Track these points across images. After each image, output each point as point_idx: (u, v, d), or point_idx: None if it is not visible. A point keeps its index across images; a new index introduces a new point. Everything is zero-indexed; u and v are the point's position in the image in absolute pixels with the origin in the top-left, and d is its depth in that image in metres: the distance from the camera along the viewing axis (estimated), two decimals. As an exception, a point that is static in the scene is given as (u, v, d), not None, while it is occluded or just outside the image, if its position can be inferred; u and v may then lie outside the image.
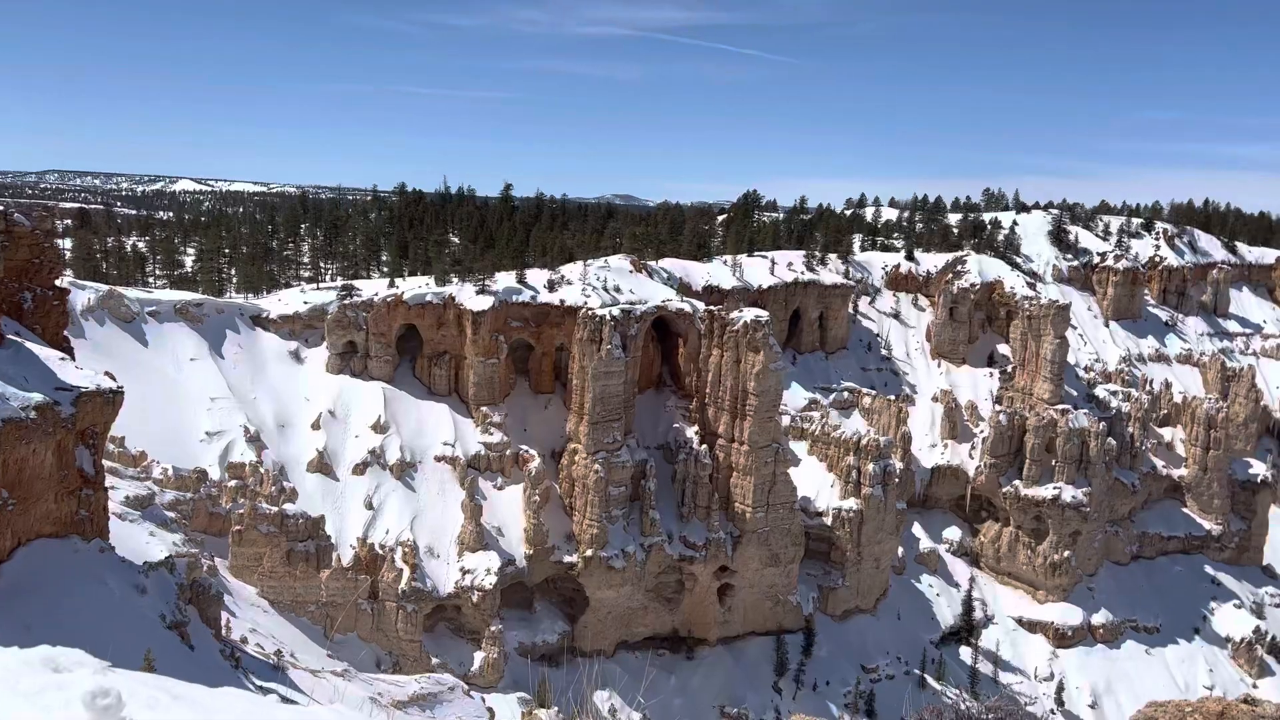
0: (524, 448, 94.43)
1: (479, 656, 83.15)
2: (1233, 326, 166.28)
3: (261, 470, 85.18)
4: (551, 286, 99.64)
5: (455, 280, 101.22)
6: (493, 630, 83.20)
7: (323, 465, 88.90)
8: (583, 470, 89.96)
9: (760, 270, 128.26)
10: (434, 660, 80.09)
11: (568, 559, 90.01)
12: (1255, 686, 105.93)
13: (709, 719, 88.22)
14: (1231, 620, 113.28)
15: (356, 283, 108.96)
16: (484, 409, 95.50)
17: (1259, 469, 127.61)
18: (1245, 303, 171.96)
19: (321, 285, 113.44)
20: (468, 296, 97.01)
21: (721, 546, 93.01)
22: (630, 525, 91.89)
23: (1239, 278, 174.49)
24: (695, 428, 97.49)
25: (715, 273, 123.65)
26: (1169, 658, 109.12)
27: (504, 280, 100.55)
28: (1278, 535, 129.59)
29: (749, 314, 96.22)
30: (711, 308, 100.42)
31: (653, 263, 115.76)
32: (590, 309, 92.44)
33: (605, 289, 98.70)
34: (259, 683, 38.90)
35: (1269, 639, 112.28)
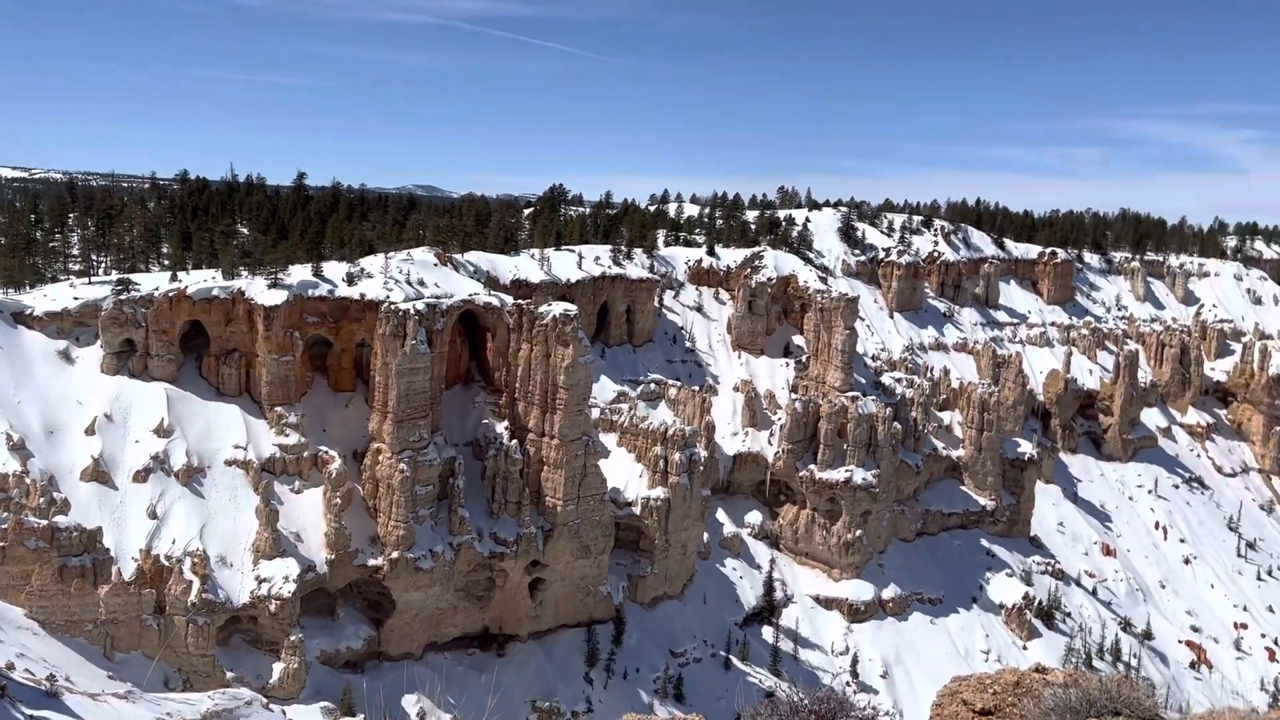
0: (323, 449, 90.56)
1: (278, 668, 79.20)
2: (1002, 317, 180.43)
3: (27, 481, 77.69)
4: (351, 280, 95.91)
5: (245, 274, 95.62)
6: (293, 640, 79.40)
7: (99, 473, 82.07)
8: (387, 470, 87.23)
9: (568, 264, 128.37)
10: (229, 674, 75.70)
11: (373, 562, 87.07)
12: (1026, 648, 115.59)
13: (522, 715, 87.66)
14: (1004, 588, 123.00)
15: (134, 276, 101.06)
16: (279, 409, 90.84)
17: (1026, 448, 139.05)
18: (1013, 295, 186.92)
19: (94, 279, 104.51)
20: (259, 290, 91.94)
21: (533, 541, 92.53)
22: (438, 525, 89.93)
23: (1007, 272, 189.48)
24: (505, 423, 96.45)
25: (523, 266, 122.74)
26: (951, 626, 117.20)
27: (299, 273, 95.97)
28: (1043, 508, 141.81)
29: (558, 308, 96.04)
30: (520, 301, 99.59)
31: (458, 255, 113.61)
32: (393, 303, 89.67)
33: (409, 282, 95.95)
34: (30, 712, 35.36)
35: (1036, 604, 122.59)
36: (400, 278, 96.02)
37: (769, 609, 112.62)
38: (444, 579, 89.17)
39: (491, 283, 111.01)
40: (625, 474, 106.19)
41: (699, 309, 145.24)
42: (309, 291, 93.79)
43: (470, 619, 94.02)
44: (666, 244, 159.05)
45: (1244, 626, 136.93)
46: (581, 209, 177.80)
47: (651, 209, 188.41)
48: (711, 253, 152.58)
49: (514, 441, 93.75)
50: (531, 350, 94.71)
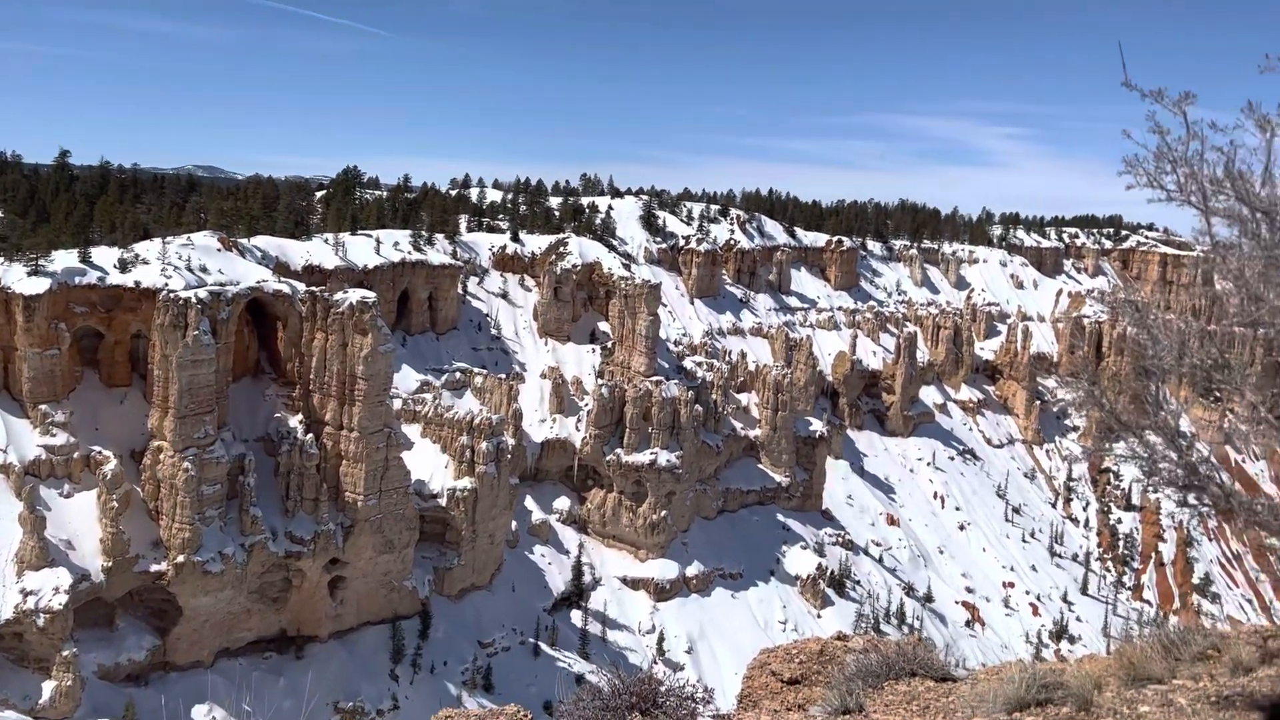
0: (96, 449, 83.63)
1: (49, 687, 72.66)
2: (794, 302, 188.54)
3: None
4: (124, 266, 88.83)
5: (0, 260, 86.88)
6: (65, 655, 73.03)
7: None
8: (170, 470, 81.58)
9: (365, 249, 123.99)
10: (-11, 701, 68.78)
11: (155, 567, 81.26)
12: (820, 616, 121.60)
13: (324, 717, 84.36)
14: (799, 561, 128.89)
15: None
16: (43, 407, 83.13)
17: (817, 426, 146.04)
18: (803, 281, 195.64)
19: None
20: (17, 278, 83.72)
21: (331, 538, 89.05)
22: (228, 525, 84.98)
23: (798, 259, 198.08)
24: (299, 416, 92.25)
25: (316, 252, 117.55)
26: (751, 600, 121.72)
27: (63, 260, 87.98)
28: (833, 482, 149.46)
29: (355, 295, 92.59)
30: (313, 289, 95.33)
31: (245, 241, 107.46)
32: (173, 291, 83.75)
33: (190, 269, 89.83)
34: None
35: (829, 574, 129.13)
36: (180, 264, 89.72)
37: (578, 593, 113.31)
38: (236, 582, 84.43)
39: (282, 269, 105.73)
40: (430, 465, 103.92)
41: (504, 296, 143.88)
42: (76, 279, 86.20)
43: (266, 622, 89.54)
44: (469, 230, 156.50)
45: (1011, 585, 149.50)
46: (379, 192, 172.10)
47: (453, 193, 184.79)
48: (516, 239, 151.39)
49: (309, 435, 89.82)
50: (327, 340, 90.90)
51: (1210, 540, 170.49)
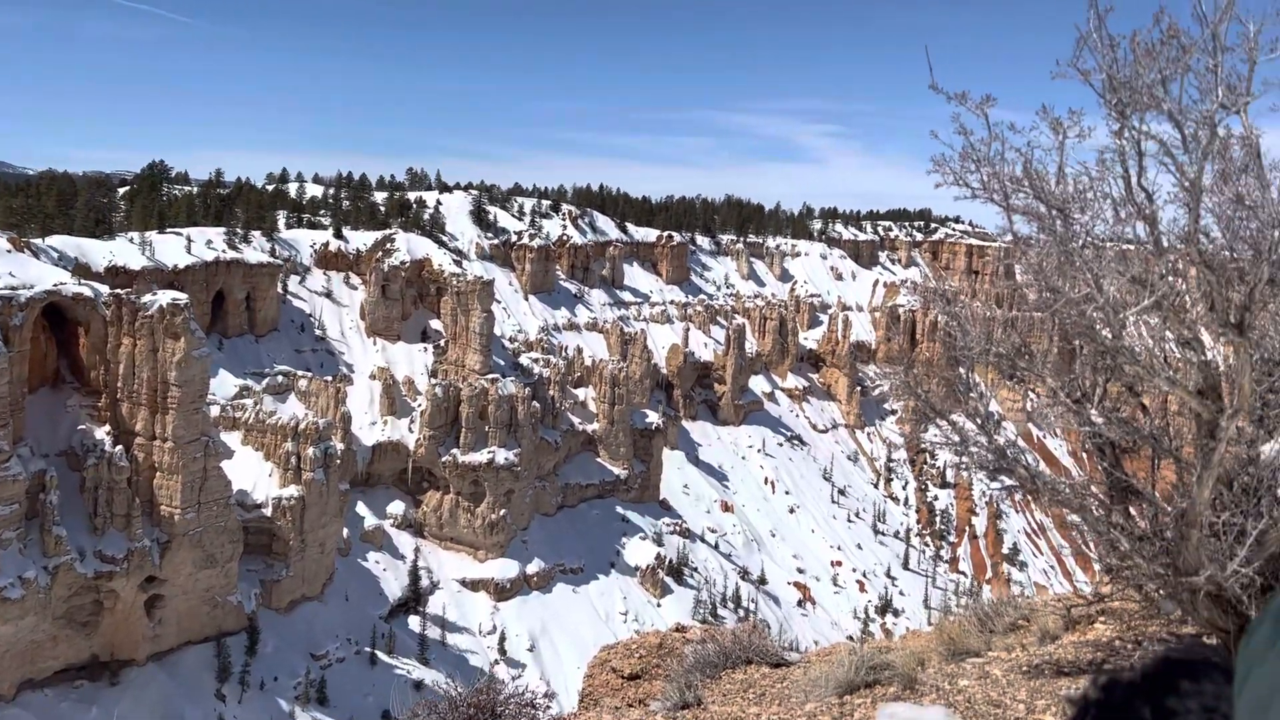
0: None
1: None
2: (627, 296, 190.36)
3: None
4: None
5: None
6: None
7: None
8: (-43, 490, 74.70)
9: (175, 249, 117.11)
10: None
11: (-57, 598, 74.31)
12: (659, 605, 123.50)
13: (143, 747, 79.40)
14: (638, 551, 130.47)
15: None
16: None
17: (653, 418, 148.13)
18: (636, 276, 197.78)
19: None
20: None
21: (147, 555, 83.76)
22: (29, 547, 78.59)
23: (630, 254, 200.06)
24: (107, 427, 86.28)
25: (120, 251, 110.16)
26: (591, 593, 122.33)
27: None
28: (670, 473, 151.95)
29: (165, 297, 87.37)
30: (118, 291, 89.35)
31: (39, 240, 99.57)
32: (-45, 295, 76.68)
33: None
34: None
35: (667, 563, 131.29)
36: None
37: (415, 598, 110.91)
38: (39, 607, 78.21)
39: (82, 271, 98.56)
40: (253, 474, 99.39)
41: (328, 295, 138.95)
42: None
43: (75, 648, 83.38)
44: (289, 226, 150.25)
45: (839, 564, 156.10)
46: (189, 188, 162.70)
47: (270, 188, 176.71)
48: (339, 235, 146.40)
49: (118, 448, 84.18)
50: (135, 345, 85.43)
51: (1017, 513, 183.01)
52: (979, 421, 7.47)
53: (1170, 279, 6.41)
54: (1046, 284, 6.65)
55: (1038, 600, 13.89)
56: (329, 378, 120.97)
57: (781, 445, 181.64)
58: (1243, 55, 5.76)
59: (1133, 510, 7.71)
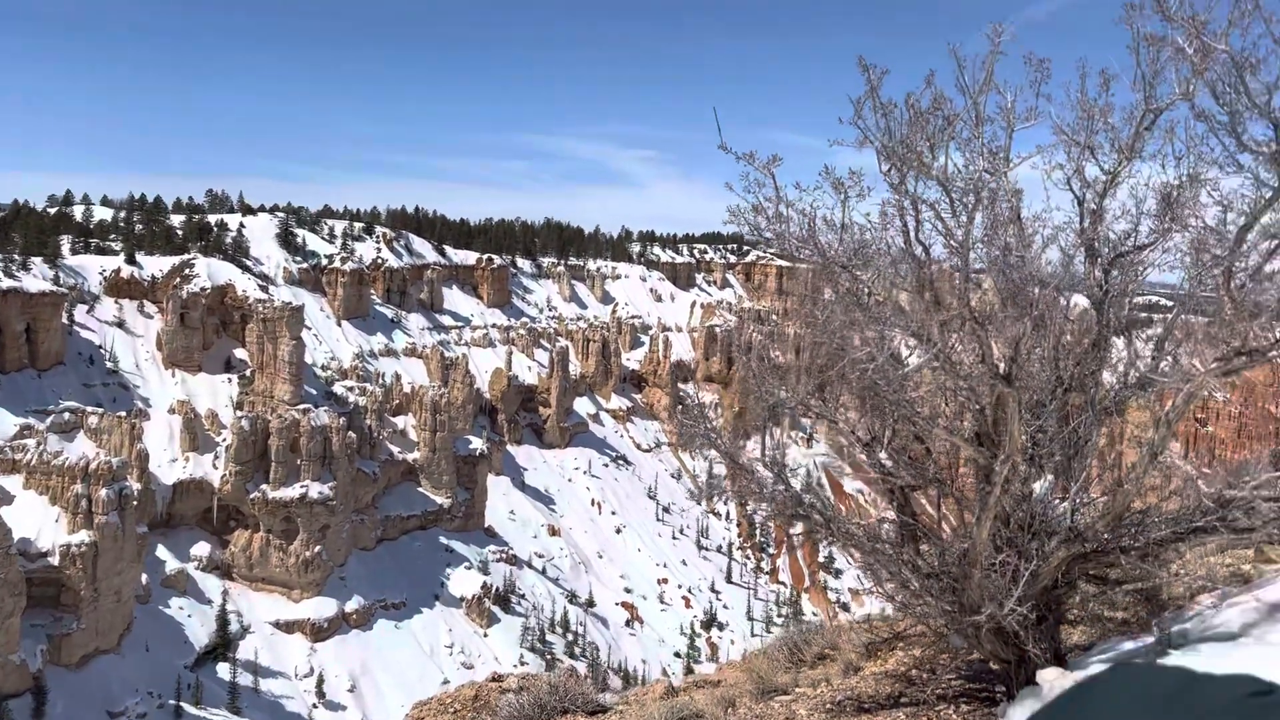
0: None
1: None
2: (447, 320, 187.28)
3: None
4: None
5: None
6: None
7: None
8: None
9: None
10: None
11: None
12: (486, 635, 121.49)
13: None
14: (464, 582, 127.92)
15: None
16: None
17: (477, 444, 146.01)
18: (456, 299, 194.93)
19: None
20: None
21: (-91, 618, 75.47)
22: None
23: (449, 277, 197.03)
24: None
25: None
26: (415, 628, 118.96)
27: None
28: (495, 499, 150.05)
29: (-73, 330, 79.33)
30: None
31: None
32: None
33: None
34: None
35: (494, 591, 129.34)
36: None
37: (224, 644, 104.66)
38: None
39: None
40: (37, 520, 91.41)
41: (120, 324, 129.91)
42: None
43: None
44: (74, 252, 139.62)
45: (665, 581, 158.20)
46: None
47: (52, 211, 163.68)
48: (132, 261, 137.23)
49: (-126, 498, 75.63)
50: (-106, 384, 77.15)
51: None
52: (775, 470, 7.62)
53: (947, 332, 6.74)
54: (832, 339, 6.86)
55: (844, 623, 14.43)
56: (123, 413, 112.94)
57: (607, 466, 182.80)
58: (1003, 124, 6.15)
59: (923, 548, 8.06)
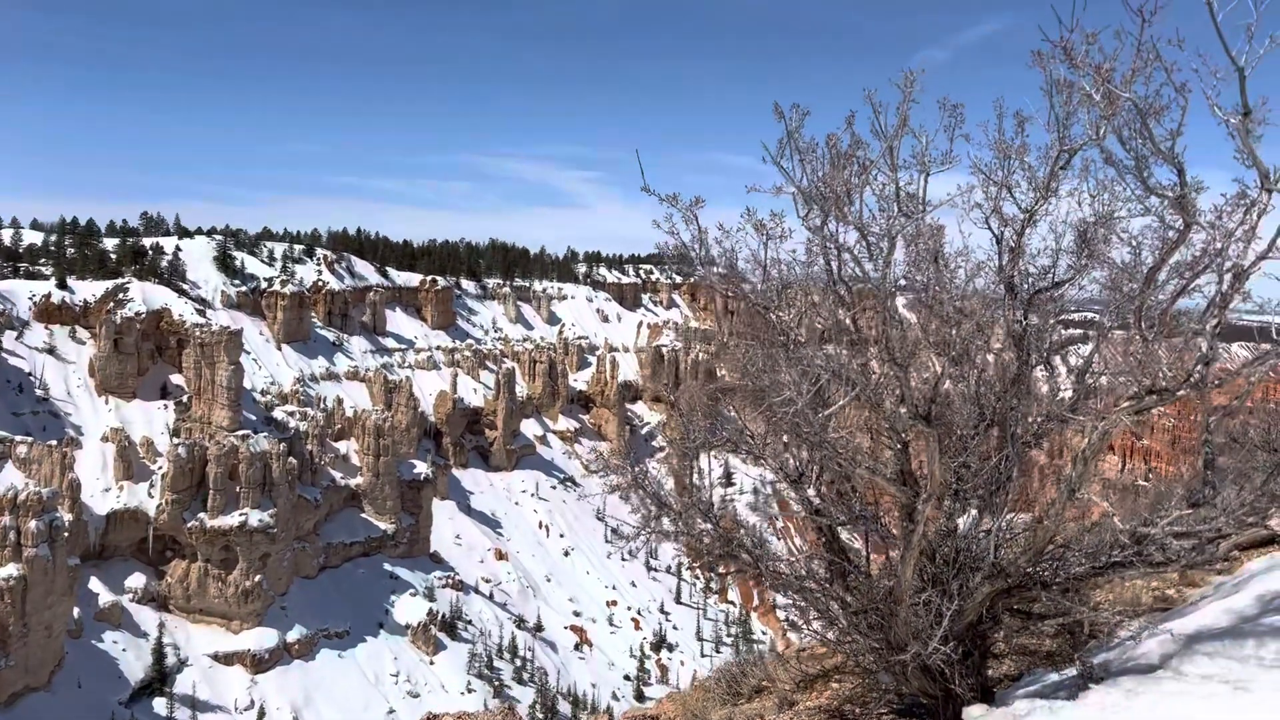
0: None
1: None
2: (390, 343, 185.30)
3: None
4: None
5: None
6: None
7: None
8: None
9: None
10: None
11: None
12: (433, 663, 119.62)
13: None
14: (409, 609, 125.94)
15: None
16: None
17: (422, 468, 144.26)
18: (399, 321, 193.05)
19: None
20: None
21: None
22: None
23: (393, 299, 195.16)
24: None
25: None
26: (360, 657, 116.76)
27: None
28: (440, 524, 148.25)
29: None
30: None
31: None
32: None
33: None
34: None
35: (440, 618, 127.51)
36: None
37: (160, 678, 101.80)
38: None
39: None
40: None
41: (51, 351, 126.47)
42: None
43: None
44: (3, 277, 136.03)
45: (614, 604, 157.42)
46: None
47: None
48: (63, 286, 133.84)
49: None
50: None
51: (779, 539, 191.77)
52: (704, 511, 7.60)
53: (868, 374, 6.79)
54: (753, 380, 6.88)
55: (784, 651, 14.42)
56: (53, 442, 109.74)
57: (555, 488, 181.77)
58: (918, 168, 6.23)
59: (850, 584, 8.08)
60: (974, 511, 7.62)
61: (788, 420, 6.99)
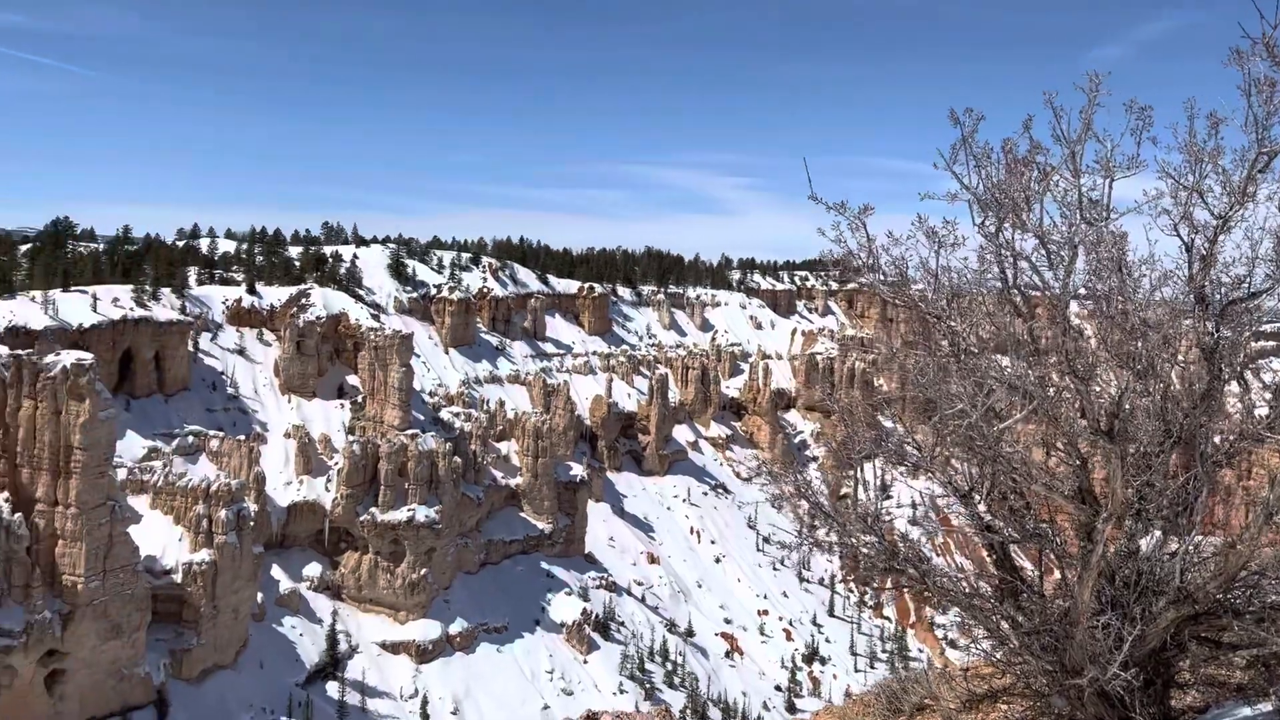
0: None
1: None
2: (549, 348, 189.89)
3: None
4: None
5: None
6: None
7: None
8: None
9: (80, 307, 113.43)
10: None
11: None
12: (586, 662, 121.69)
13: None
14: (564, 607, 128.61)
15: None
16: None
17: (578, 470, 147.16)
18: (558, 327, 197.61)
19: None
20: None
21: (48, 628, 79.70)
22: (-86, 625, 74.22)
23: (552, 305, 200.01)
24: (4, 494, 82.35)
25: (21, 311, 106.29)
26: (517, 652, 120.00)
27: None
28: (595, 525, 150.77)
29: (69, 357, 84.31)
30: (19, 352, 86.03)
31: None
32: None
33: None
34: None
35: (594, 618, 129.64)
36: None
37: (333, 664, 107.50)
38: (-75, 691, 73.77)
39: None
40: (162, 539, 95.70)
41: (241, 352, 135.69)
42: None
43: (-35, 733, 78.64)
44: (200, 283, 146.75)
45: (765, 613, 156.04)
46: (95, 245, 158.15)
47: (181, 244, 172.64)
48: (253, 291, 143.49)
49: (17, 515, 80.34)
50: (37, 408, 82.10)
51: (938, 555, 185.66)
52: (868, 521, 7.52)
53: (1046, 386, 6.57)
54: (922, 391, 6.77)
55: (949, 668, 13.98)
56: (242, 437, 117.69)
57: (706, 494, 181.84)
58: (1103, 173, 6.00)
59: (1022, 603, 7.81)
60: (1158, 533, 7.26)
61: (960, 433, 6.84)
